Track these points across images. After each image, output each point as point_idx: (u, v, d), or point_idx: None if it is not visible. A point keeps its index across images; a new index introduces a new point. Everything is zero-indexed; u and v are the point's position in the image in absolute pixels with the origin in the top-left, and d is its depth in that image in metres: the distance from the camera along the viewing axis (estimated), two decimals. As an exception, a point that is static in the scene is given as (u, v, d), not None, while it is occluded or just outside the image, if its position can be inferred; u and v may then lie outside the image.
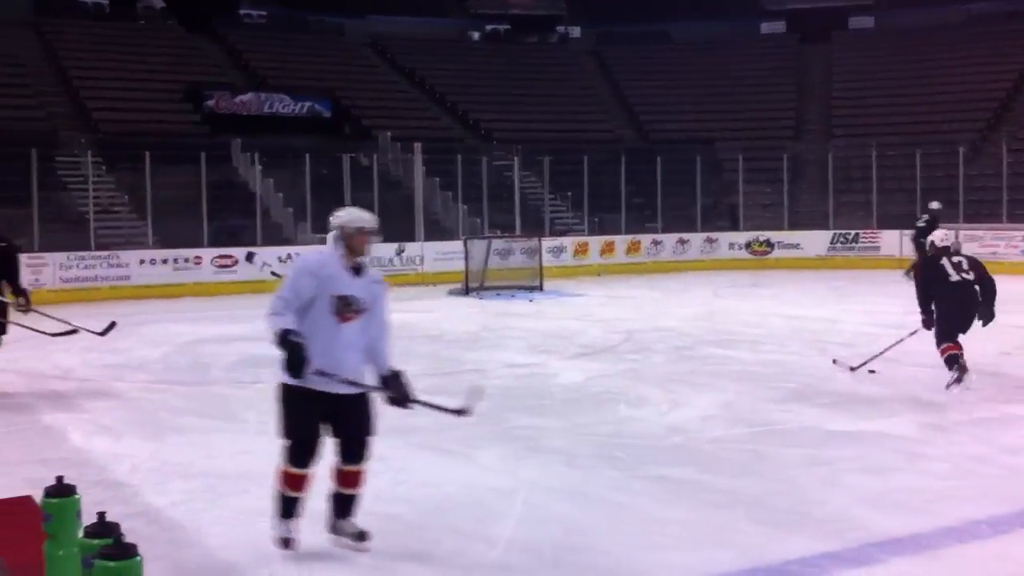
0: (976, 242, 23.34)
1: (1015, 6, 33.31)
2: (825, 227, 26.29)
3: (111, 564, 1.89)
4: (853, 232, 25.86)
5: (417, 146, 24.27)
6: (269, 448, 7.35)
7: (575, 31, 38.70)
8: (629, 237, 25.42)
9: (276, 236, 22.49)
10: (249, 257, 20.65)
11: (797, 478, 6.42)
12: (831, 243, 25.90)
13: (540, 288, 19.54)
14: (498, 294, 18.77)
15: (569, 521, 5.66)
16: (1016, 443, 7.16)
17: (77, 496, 2.29)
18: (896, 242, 24.59)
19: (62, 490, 2.30)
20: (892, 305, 16.37)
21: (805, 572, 4.84)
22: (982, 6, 34.38)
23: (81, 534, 2.12)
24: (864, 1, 37.06)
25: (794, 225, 26.53)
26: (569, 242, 24.70)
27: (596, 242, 25.03)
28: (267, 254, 20.86)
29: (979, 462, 6.73)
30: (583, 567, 4.97)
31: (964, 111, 30.02)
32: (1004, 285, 18.92)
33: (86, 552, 2.04)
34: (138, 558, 1.93)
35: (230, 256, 20.58)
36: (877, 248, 25.48)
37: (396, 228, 23.06)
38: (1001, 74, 31.33)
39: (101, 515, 2.11)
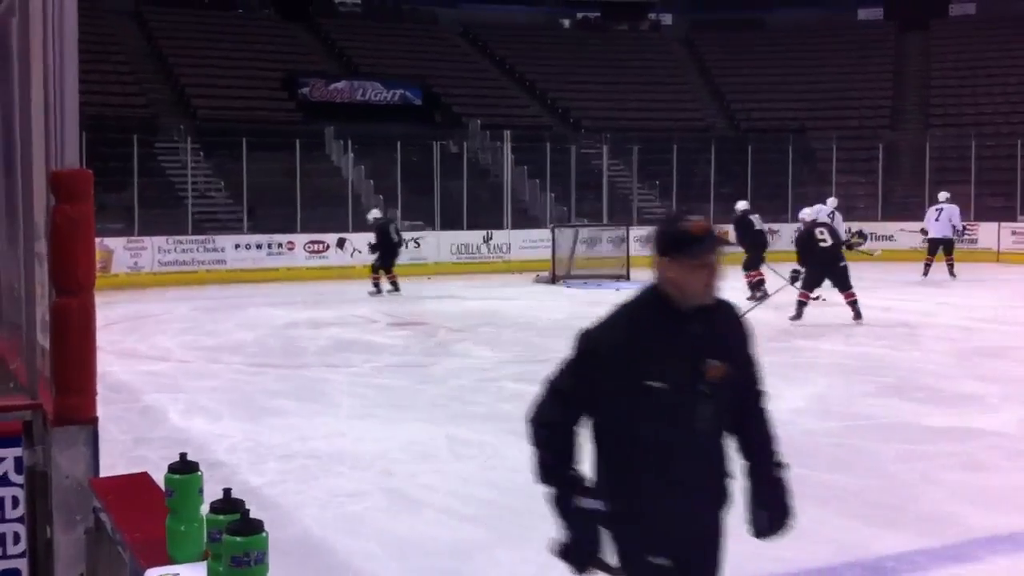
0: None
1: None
2: (920, 219, 25.66)
3: (239, 539, 1.95)
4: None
5: (506, 134, 24.35)
6: (362, 431, 7.53)
7: (667, 18, 38.36)
8: (718, 227, 25.02)
9: (367, 223, 22.77)
10: (340, 243, 20.98)
11: (894, 473, 6.31)
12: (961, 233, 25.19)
13: (627, 277, 19.45)
14: (585, 283, 18.75)
15: (660, 510, 5.63)
16: (1124, 443, 6.94)
17: (200, 472, 2.36)
18: (994, 235, 23.94)
19: (186, 466, 2.37)
20: (988, 299, 16.00)
21: (902, 568, 4.77)
22: (1089, -8, 33.16)
23: (206, 510, 2.18)
24: (966, -13, 36.03)
25: (888, 216, 25.95)
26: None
27: (684, 232, 24.77)
28: (357, 240, 21.22)
29: (1084, 461, 6.54)
30: (674, 556, 4.95)
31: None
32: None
33: (212, 527, 2.10)
34: (264, 534, 1.99)
35: (321, 242, 20.90)
36: (975, 241, 24.79)
37: (484, 216, 23.21)
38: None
39: (227, 491, 2.17)
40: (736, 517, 5.43)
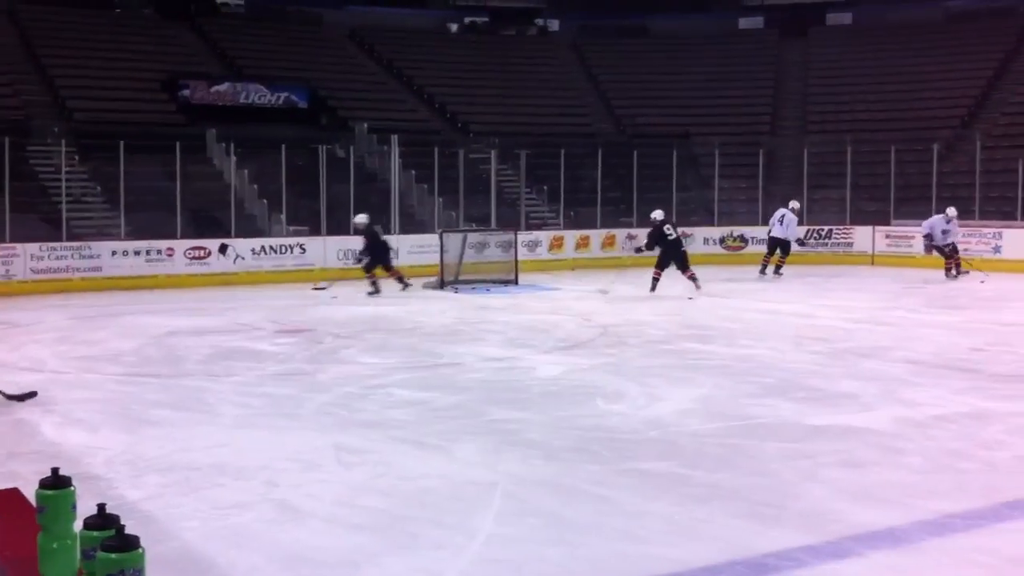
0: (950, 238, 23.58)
1: (992, 4, 33.60)
2: (799, 223, 26.40)
3: (114, 556, 1.87)
4: (827, 228, 25.99)
5: (394, 138, 24.19)
6: (246, 441, 7.36)
7: (554, 24, 38.66)
8: (604, 231, 25.41)
9: (250, 228, 22.37)
10: (223, 249, 20.54)
11: (777, 472, 6.44)
12: (804, 238, 26.00)
13: (515, 282, 19.52)
14: (473, 288, 18.74)
15: (550, 514, 5.66)
16: (991, 438, 7.21)
17: (72, 488, 2.25)
18: (869, 238, 24.77)
19: (58, 481, 2.26)
20: (865, 300, 16.54)
21: (783, 565, 4.86)
22: (960, 3, 34.58)
23: (79, 526, 2.08)
24: (842, -3, 37.22)
25: (768, 220, 26.60)
26: (544, 236, 24.69)
27: (571, 236, 25.02)
28: (240, 245, 20.81)
29: (955, 456, 6.77)
30: (565, 560, 4.96)
31: (939, 108, 30.23)
32: (973, 283, 19.16)
33: (85, 544, 2.01)
34: (141, 550, 1.91)
35: (203, 248, 20.43)
36: (850, 244, 25.63)
37: (371, 220, 22.99)
38: (976, 72, 31.55)
39: (101, 506, 2.07)
40: (622, 518, 5.49)
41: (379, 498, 5.95)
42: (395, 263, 19.08)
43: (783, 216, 21.42)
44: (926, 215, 24.38)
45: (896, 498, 5.84)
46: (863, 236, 25.26)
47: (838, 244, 25.79)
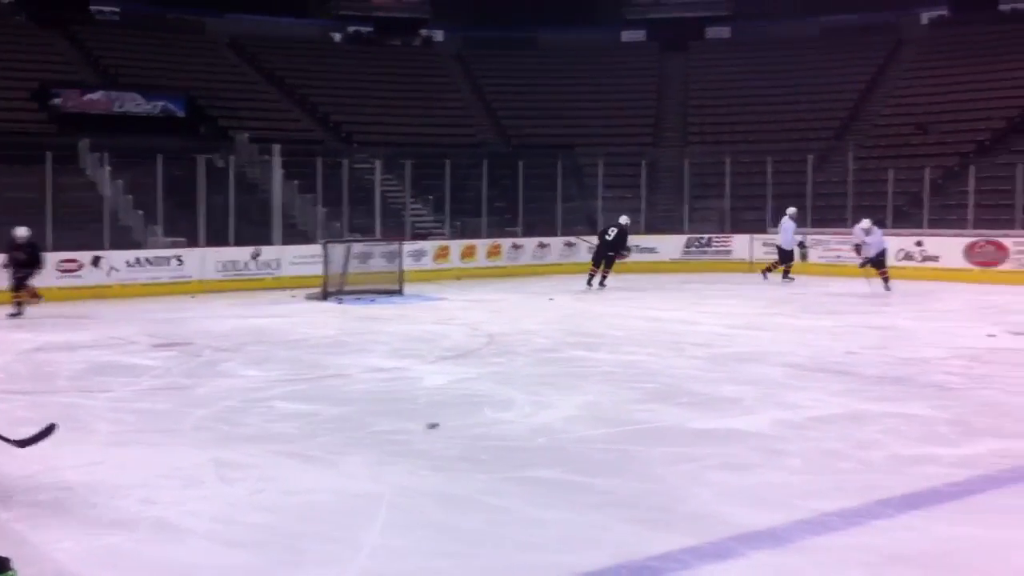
0: (822, 246, 24.33)
1: (865, 20, 34.87)
2: (680, 231, 26.93)
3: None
4: (706, 236, 26.57)
5: (275, 148, 23.79)
6: (121, 459, 7.09)
7: (439, 34, 38.66)
8: (490, 241, 25.46)
9: (125, 240, 21.69)
10: (96, 261, 19.89)
11: (663, 476, 6.50)
12: (686, 247, 26.55)
13: (401, 292, 19.39)
14: (358, 298, 18.53)
15: (439, 525, 5.59)
16: (867, 438, 7.41)
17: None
18: (747, 246, 25.38)
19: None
20: (744, 306, 16.92)
21: (668, 568, 4.89)
22: (834, 19, 35.77)
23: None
24: (721, 12, 38.09)
25: (651, 229, 27.05)
26: (430, 246, 24.59)
27: (457, 246, 24.99)
28: (115, 257, 20.16)
29: (833, 457, 6.94)
30: (454, 571, 4.91)
31: (814, 120, 31.20)
32: (846, 287, 19.76)
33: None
34: (11, 572, 1.78)
35: (75, 260, 19.71)
36: (729, 252, 26.23)
37: (253, 232, 22.57)
38: (850, 85, 32.69)
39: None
40: (512, 526, 5.46)
41: (261, 514, 5.80)
42: (277, 275, 18.57)
43: (781, 223, 22.49)
44: (802, 224, 25.15)
45: (777, 499, 5.95)
46: (741, 244, 25.89)
47: (718, 252, 26.37)
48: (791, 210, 22.89)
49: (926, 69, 32.24)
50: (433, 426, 7.82)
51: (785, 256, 22.40)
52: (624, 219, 21.95)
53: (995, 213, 23.15)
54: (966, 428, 7.65)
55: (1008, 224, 22.09)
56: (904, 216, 24.97)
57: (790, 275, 22.15)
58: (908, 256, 22.70)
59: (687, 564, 4.94)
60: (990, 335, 12.90)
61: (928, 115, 29.46)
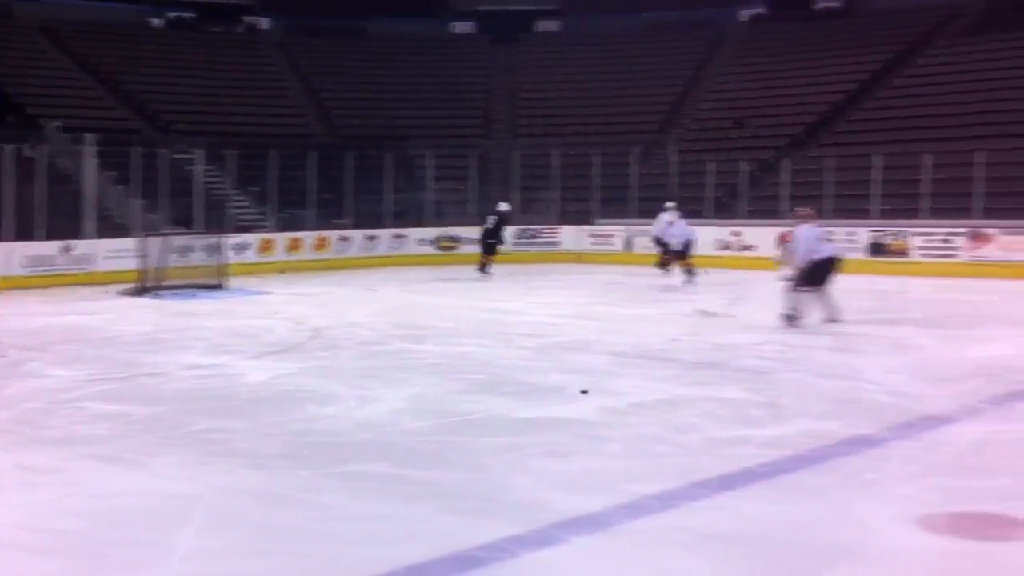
0: (646, 237, 24.97)
1: (687, 17, 35.94)
2: (510, 223, 27.15)
3: None
4: (536, 228, 26.89)
5: (88, 137, 22.76)
6: None
7: (264, 22, 37.75)
8: (316, 233, 25.06)
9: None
10: None
11: (487, 466, 6.51)
12: (516, 239, 26.77)
13: (223, 286, 18.84)
14: (176, 293, 17.90)
15: (257, 524, 5.43)
16: (684, 422, 7.61)
17: None
18: (574, 237, 25.81)
19: None
20: (573, 296, 17.20)
21: (492, 556, 4.88)
22: (657, 15, 36.72)
23: None
24: (551, 6, 38.54)
25: (481, 222, 27.17)
26: (254, 239, 24.00)
27: (282, 239, 24.48)
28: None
29: (652, 441, 7.10)
30: (272, 570, 4.77)
31: (638, 114, 31.98)
32: (668, 277, 20.29)
33: None
34: None
35: None
36: (558, 243, 26.62)
37: (64, 225, 21.54)
38: (672, 80, 33.65)
39: None
40: (333, 523, 5.34)
41: (68, 519, 5.50)
42: (90, 269, 17.78)
43: (661, 217, 21.50)
44: (627, 216, 25.78)
45: (598, 484, 6.04)
46: (569, 235, 26.33)
47: (546, 243, 26.73)
48: (669, 204, 22.08)
49: (744, 65, 33.50)
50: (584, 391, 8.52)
51: (677, 253, 20.84)
52: (504, 206, 21.86)
53: (807, 204, 24.23)
54: (777, 410, 7.96)
55: (820, 215, 23.15)
56: (723, 207, 25.91)
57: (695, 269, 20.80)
58: (726, 246, 23.55)
59: (511, 552, 4.94)
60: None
61: (745, 110, 30.64)
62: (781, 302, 13.08)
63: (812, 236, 12.87)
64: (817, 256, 12.86)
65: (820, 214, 23.04)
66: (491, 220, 21.65)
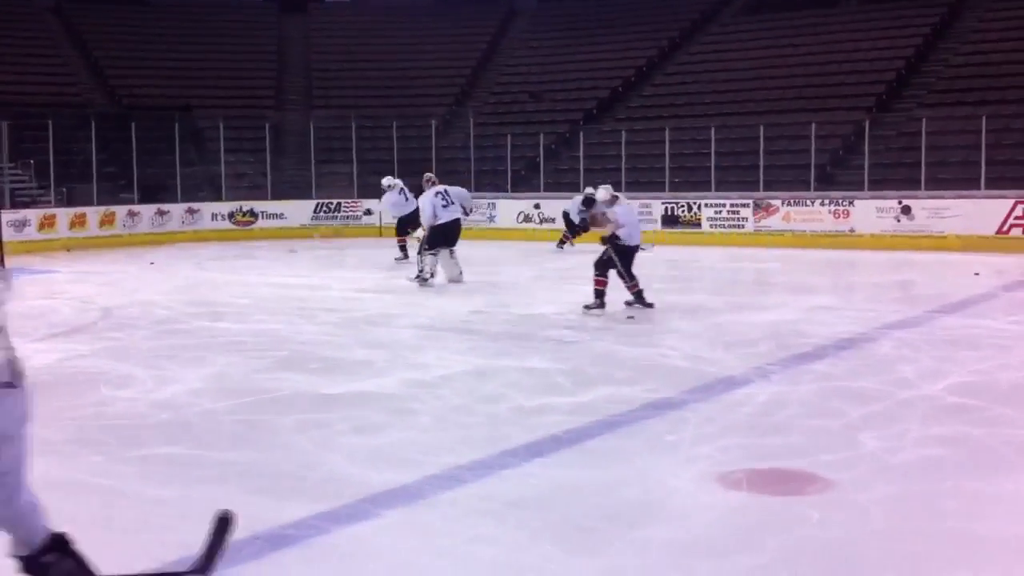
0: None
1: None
2: (309, 196, 26.67)
3: None
4: (336, 201, 26.50)
5: None
6: None
7: (36, -13, 35.43)
8: (103, 209, 23.86)
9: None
10: None
11: (292, 443, 6.37)
12: (315, 212, 26.34)
13: (1, 265, 17.68)
14: (-53, 273, 16.69)
15: (51, 513, 5.11)
16: (492, 392, 7.69)
17: None
18: (375, 210, 25.57)
19: None
20: (374, 271, 17.05)
21: (303, 534, 4.79)
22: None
23: None
24: (338, -26, 37.92)
25: (278, 195, 26.58)
26: (33, 215, 22.63)
27: (65, 215, 23.19)
28: None
29: (460, 412, 7.13)
30: (63, 563, 4.50)
31: (436, 87, 31.93)
32: (472, 250, 20.46)
33: None
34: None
35: None
36: (359, 217, 26.33)
37: None
38: (468, 53, 33.77)
39: None
40: (130, 509, 5.10)
41: None
42: None
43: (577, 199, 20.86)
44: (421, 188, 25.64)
45: (408, 457, 6.01)
46: (370, 208, 26.06)
47: (347, 216, 26.39)
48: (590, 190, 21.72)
49: (537, 41, 33.97)
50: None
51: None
52: (591, 191, 20.61)
53: (603, 177, 24.83)
54: (581, 377, 8.13)
55: (615, 187, 23.78)
56: (522, 180, 26.25)
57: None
58: (527, 218, 23.90)
59: (322, 529, 4.87)
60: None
61: (540, 84, 31.10)
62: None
63: (438, 203, 14.37)
64: (441, 221, 14.39)
65: (618, 186, 23.83)
66: (578, 200, 20.68)
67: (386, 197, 19.26)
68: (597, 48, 31.94)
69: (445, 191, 14.63)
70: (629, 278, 11.56)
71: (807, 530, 4.77)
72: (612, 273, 11.49)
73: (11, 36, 30.87)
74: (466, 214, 15.70)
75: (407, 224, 18.21)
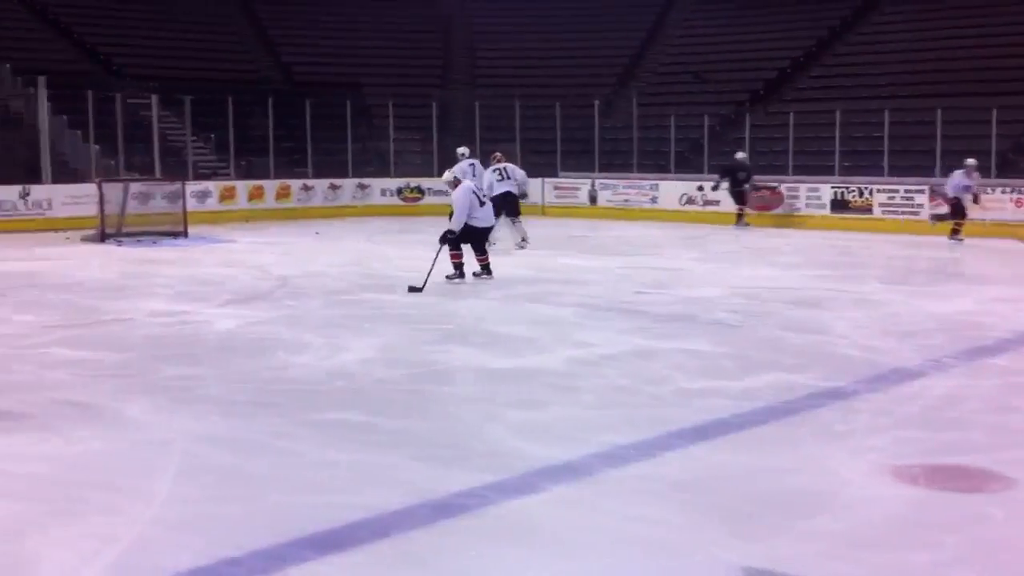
0: (610, 190, 24.99)
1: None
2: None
3: None
4: (498, 180, 26.68)
5: (41, 80, 22.26)
6: None
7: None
8: (279, 182, 24.78)
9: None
10: None
11: (459, 415, 6.52)
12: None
13: (185, 234, 18.62)
14: (139, 240, 17.67)
15: (230, 470, 5.41)
16: (656, 374, 7.64)
17: None
18: (538, 190, 25.69)
19: None
20: (533, 249, 17.14)
21: (470, 503, 4.89)
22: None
23: None
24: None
25: (443, 172, 26.95)
26: (214, 186, 23.71)
27: (244, 187, 24.20)
28: None
29: (624, 392, 7.13)
30: (245, 515, 4.74)
31: (599, 67, 31.77)
32: (634, 231, 20.39)
33: None
34: None
35: None
36: (524, 196, 26.43)
37: (19, 170, 21.13)
38: (632, 32, 33.44)
39: None
40: (306, 469, 5.32)
41: (41, 464, 5.46)
42: (48, 215, 17.52)
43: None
44: (590, 169, 25.71)
45: (571, 433, 6.06)
46: (533, 188, 26.13)
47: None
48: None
49: (703, 19, 33.33)
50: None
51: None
52: (741, 154, 21.71)
53: (769, 159, 24.35)
54: (747, 362, 8.00)
55: (782, 171, 23.26)
56: (685, 162, 25.93)
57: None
58: (690, 200, 23.61)
59: (489, 499, 4.96)
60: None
61: (705, 64, 30.57)
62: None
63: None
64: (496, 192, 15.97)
65: (784, 169, 23.30)
66: (741, 175, 21.10)
67: (458, 167, 19.31)
68: (765, 27, 31.15)
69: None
70: (480, 252, 12.88)
71: (990, 529, 4.60)
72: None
73: (195, 18, 32.24)
74: (522, 196, 17.29)
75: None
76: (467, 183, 13.17)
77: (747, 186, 21.48)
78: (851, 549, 4.36)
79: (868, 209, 21.45)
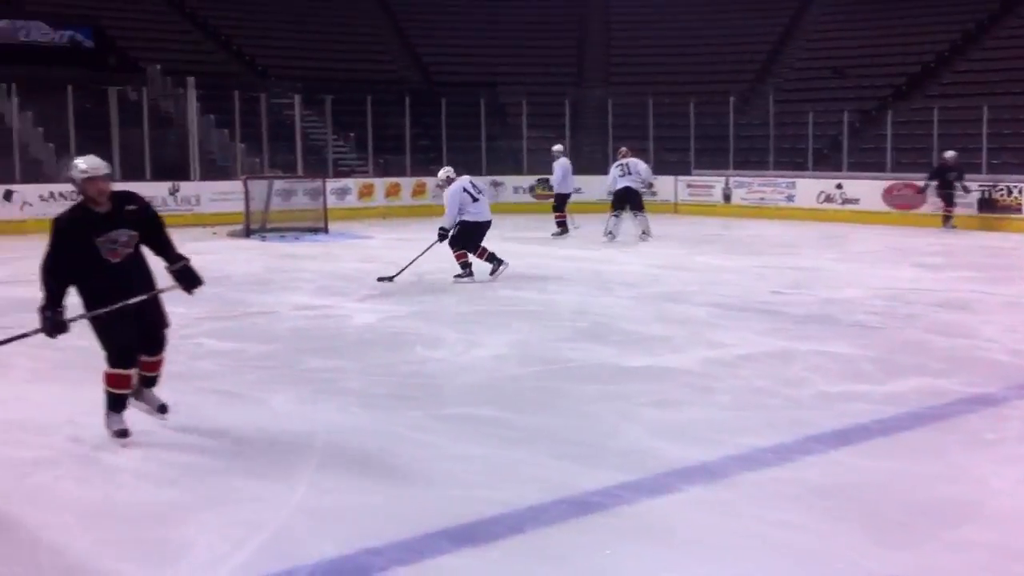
0: (744, 188, 24.60)
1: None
2: (604, 172, 26.88)
3: None
4: (631, 178, 26.56)
5: (190, 80, 23.15)
6: (44, 395, 6.90)
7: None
8: (415, 179, 25.20)
9: (36, 173, 20.99)
10: (7, 195, 19.27)
11: (595, 413, 6.53)
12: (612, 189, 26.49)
13: (325, 230, 19.13)
14: (282, 236, 18.24)
15: (370, 461, 5.55)
16: (794, 376, 7.51)
17: None
18: (671, 188, 25.47)
19: None
20: (669, 247, 17.03)
21: (607, 502, 4.91)
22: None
23: None
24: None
25: (576, 171, 26.96)
26: (354, 183, 24.28)
27: (381, 184, 24.72)
28: (27, 191, 19.54)
29: (761, 394, 7.02)
30: (388, 506, 4.87)
31: (734, 62, 31.30)
32: (770, 230, 20.00)
33: None
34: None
35: (-15, 194, 19.08)
36: (655, 193, 26.27)
37: (169, 167, 22.03)
38: (769, 28, 32.84)
39: None
40: (445, 462, 5.42)
41: (191, 451, 5.70)
42: (196, 211, 18.23)
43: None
44: (724, 166, 25.35)
45: (708, 435, 6.01)
46: (666, 186, 25.96)
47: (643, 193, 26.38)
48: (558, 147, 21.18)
49: (843, 12, 32.48)
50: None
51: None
52: (950, 153, 20.81)
53: (912, 157, 23.59)
54: (890, 366, 7.78)
55: (925, 168, 22.49)
56: (824, 159, 25.34)
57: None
58: (828, 198, 23.05)
59: (624, 498, 4.96)
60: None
61: (845, 59, 29.79)
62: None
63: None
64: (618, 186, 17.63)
65: (928, 167, 22.51)
66: (951, 175, 20.96)
67: (559, 164, 19.75)
68: (907, 20, 30.15)
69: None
70: (477, 249, 12.89)
71: None
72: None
73: (336, 20, 33.08)
74: (647, 187, 18.26)
75: (566, 199, 19.59)
76: (460, 181, 13.21)
77: (959, 186, 20.55)
78: (1001, 560, 4.22)
79: (1018, 208, 20.56)
